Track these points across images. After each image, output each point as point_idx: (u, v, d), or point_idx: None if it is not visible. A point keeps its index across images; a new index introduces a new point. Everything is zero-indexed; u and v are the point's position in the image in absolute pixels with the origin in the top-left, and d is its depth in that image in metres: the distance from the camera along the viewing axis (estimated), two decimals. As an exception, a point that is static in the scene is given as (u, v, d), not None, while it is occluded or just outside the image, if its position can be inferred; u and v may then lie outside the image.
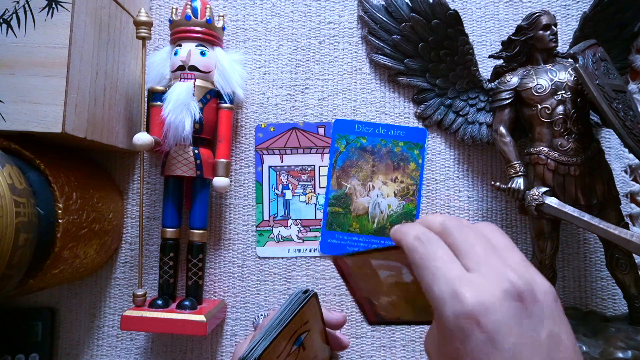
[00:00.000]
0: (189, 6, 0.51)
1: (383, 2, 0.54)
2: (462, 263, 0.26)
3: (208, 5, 0.52)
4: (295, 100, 0.57)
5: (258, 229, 0.55)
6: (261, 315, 0.53)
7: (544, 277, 0.26)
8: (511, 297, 0.24)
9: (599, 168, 0.47)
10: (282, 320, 0.39)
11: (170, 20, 0.52)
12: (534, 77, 0.48)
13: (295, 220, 0.55)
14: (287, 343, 0.39)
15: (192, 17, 0.51)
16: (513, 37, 0.50)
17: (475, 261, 0.26)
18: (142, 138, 0.47)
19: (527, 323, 0.24)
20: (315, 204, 0.56)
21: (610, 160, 0.54)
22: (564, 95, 0.47)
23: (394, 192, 0.55)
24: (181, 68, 0.50)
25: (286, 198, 0.56)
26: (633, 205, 0.55)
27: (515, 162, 0.48)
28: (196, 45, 0.51)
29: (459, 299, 0.24)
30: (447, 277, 0.25)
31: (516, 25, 0.50)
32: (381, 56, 0.55)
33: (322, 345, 0.43)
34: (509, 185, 0.48)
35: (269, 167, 0.56)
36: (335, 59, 0.57)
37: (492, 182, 0.49)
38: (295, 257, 0.55)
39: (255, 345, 0.38)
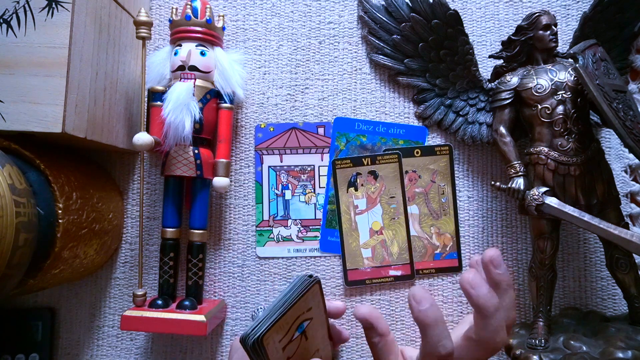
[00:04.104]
0: (189, 6, 0.51)
1: (383, 2, 0.54)
2: None
3: (208, 5, 0.52)
4: (295, 100, 0.57)
5: (258, 229, 0.55)
6: (260, 308, 0.53)
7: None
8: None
9: (599, 168, 0.47)
10: (287, 301, 0.36)
11: (170, 20, 0.52)
12: (534, 77, 0.48)
13: (295, 220, 0.55)
14: (289, 327, 0.37)
15: (192, 17, 0.51)
16: (513, 37, 0.50)
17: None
18: (142, 138, 0.47)
19: None
20: (315, 204, 0.56)
21: (610, 160, 0.54)
22: (564, 95, 0.47)
23: (394, 192, 0.55)
24: (181, 68, 0.50)
25: (286, 198, 0.56)
26: (633, 205, 0.55)
27: (515, 162, 0.48)
28: (196, 45, 0.51)
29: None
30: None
31: (516, 25, 0.50)
32: (381, 56, 0.55)
33: (325, 340, 0.41)
34: (509, 185, 0.48)
35: (269, 167, 0.56)
36: (335, 59, 0.57)
37: (492, 182, 0.49)
38: (295, 257, 0.55)
39: (258, 325, 0.35)
